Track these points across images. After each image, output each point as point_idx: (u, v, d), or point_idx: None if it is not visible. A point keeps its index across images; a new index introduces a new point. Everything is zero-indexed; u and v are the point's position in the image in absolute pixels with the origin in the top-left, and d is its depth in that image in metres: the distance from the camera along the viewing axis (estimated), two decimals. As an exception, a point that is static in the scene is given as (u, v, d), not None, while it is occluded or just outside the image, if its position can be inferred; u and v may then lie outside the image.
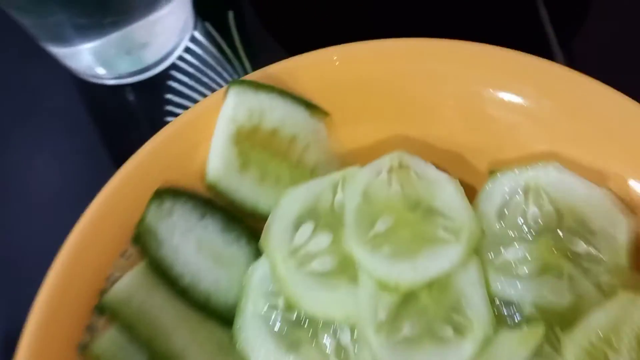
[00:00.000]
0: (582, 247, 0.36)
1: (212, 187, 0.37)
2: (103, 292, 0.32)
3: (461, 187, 0.37)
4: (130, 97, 0.54)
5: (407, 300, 0.35)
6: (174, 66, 0.54)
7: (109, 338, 0.31)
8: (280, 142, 0.40)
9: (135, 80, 0.53)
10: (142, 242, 0.33)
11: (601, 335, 0.34)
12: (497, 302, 0.37)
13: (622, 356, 0.33)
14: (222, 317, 0.35)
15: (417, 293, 0.35)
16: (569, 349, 0.34)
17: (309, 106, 0.40)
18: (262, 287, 0.36)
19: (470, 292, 0.35)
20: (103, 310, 0.31)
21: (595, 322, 0.34)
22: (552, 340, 0.37)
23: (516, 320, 0.36)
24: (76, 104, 0.55)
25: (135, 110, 0.54)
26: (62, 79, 0.55)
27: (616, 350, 0.33)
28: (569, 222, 0.37)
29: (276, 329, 0.35)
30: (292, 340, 0.35)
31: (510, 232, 0.37)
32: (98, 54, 0.51)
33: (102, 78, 0.54)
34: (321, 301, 0.34)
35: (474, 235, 0.35)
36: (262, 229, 0.36)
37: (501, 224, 0.38)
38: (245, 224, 0.37)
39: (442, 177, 0.38)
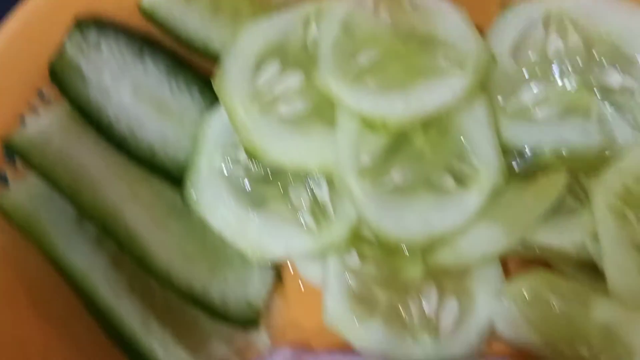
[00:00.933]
0: (615, 78, 0.31)
1: (148, 16, 0.31)
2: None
3: (468, 17, 0.32)
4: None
5: (397, 144, 0.30)
6: None
7: (24, 187, 0.27)
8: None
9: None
10: (61, 79, 0.28)
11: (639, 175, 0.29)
12: (511, 154, 0.32)
13: (665, 199, 0.29)
14: (170, 175, 0.31)
15: (410, 136, 0.30)
16: (598, 195, 0.30)
17: None
18: (219, 140, 0.32)
19: (477, 135, 0.30)
20: (13, 150, 0.26)
21: (631, 162, 0.29)
22: (575, 191, 0.32)
23: (533, 173, 0.31)
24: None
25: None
26: None
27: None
28: (601, 50, 0.32)
29: (237, 185, 0.31)
30: (257, 198, 0.31)
31: (527, 71, 0.32)
32: None
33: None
34: (292, 149, 0.30)
35: (483, 62, 0.30)
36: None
37: (516, 62, 0.33)
38: (197, 69, 0.32)
39: (443, 5, 0.32)
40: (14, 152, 0.27)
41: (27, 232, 0.27)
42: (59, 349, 0.29)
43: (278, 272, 0.35)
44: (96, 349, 0.30)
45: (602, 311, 0.30)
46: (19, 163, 0.29)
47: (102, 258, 0.29)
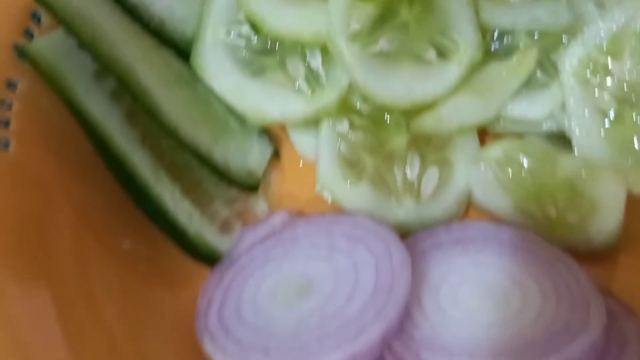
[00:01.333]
0: (582, -39, 0.34)
1: None
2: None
3: None
4: None
5: (385, 16, 0.33)
6: None
7: (49, 39, 0.30)
8: None
9: None
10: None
11: (601, 46, 0.32)
12: (489, 37, 0.35)
13: (624, 64, 0.32)
14: (178, 48, 0.34)
15: (396, 9, 0.33)
16: (565, 64, 0.33)
17: None
18: (222, 16, 0.35)
19: (457, 12, 0.34)
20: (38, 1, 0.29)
21: (593, 34, 0.32)
22: (546, 67, 0.36)
23: (509, 54, 0.35)
24: None
25: None
26: None
27: (618, 58, 0.32)
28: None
29: (239, 56, 0.34)
30: (258, 67, 0.35)
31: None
32: None
33: None
34: (288, 18, 0.33)
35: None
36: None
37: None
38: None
39: None
40: (40, 3, 0.30)
41: (49, 78, 0.30)
42: (75, 189, 0.32)
43: (276, 149, 0.38)
44: (108, 194, 0.33)
45: (567, 167, 0.34)
46: (44, 20, 0.32)
47: (117, 111, 0.32)
